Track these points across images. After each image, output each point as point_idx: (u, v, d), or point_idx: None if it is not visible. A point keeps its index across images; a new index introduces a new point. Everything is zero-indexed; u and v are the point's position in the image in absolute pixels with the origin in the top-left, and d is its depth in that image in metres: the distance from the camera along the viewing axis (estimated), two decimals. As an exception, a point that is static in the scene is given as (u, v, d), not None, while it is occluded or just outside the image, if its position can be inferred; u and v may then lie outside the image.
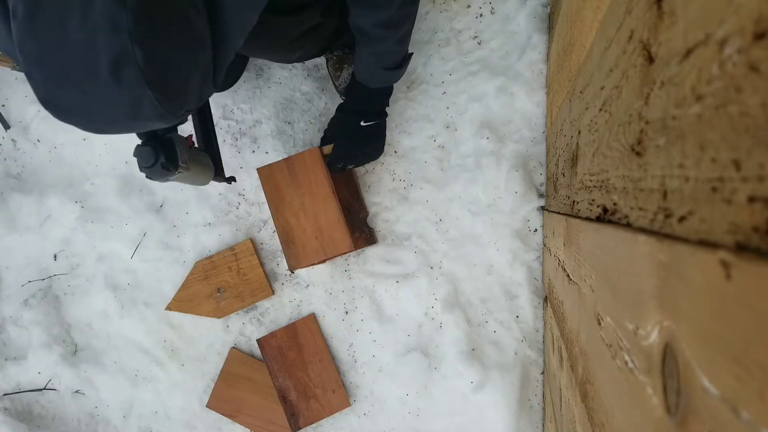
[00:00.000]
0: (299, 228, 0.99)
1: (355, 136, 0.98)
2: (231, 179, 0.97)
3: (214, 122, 1.15)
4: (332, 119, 1.00)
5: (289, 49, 0.90)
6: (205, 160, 0.83)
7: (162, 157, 0.70)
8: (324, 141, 1.00)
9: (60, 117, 0.51)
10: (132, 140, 0.71)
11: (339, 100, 1.13)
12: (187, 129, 0.87)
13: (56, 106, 0.50)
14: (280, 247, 1.18)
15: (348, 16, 0.82)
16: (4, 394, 1.24)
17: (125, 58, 0.46)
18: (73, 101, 0.49)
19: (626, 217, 0.38)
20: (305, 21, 0.83)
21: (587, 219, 0.54)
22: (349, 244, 0.97)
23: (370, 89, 0.93)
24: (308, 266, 1.02)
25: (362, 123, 0.96)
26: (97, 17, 0.44)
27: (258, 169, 1.00)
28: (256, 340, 1.18)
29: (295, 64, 1.14)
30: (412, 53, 0.92)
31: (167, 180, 0.74)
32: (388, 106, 0.99)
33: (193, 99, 0.56)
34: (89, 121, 0.51)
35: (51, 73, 0.47)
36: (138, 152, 0.71)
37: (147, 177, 0.73)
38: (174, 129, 0.75)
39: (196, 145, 0.87)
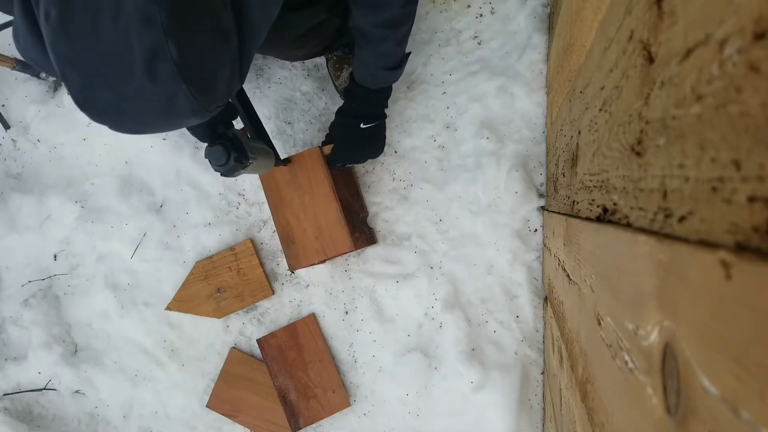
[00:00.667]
0: (299, 228, 0.99)
1: (355, 137, 0.98)
2: (287, 161, 0.98)
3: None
4: (333, 122, 1.00)
5: (294, 44, 0.91)
6: (264, 147, 0.86)
7: (234, 152, 0.73)
8: (325, 142, 1.01)
9: (96, 118, 0.51)
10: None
11: (339, 100, 1.13)
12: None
13: (92, 108, 0.50)
14: (280, 247, 1.18)
15: (349, 16, 0.82)
16: (4, 394, 1.24)
17: (160, 54, 0.46)
18: (109, 102, 0.49)
19: (626, 217, 0.38)
20: (312, 17, 0.83)
21: (587, 219, 0.54)
22: (349, 245, 0.97)
23: (369, 90, 0.93)
24: (308, 266, 1.02)
25: (362, 125, 0.97)
26: (130, 14, 0.44)
27: None
28: (256, 340, 1.18)
29: (295, 64, 1.14)
30: (410, 53, 0.93)
31: (239, 174, 0.77)
32: (387, 107, 0.99)
33: (223, 93, 0.56)
34: (124, 122, 0.52)
35: (86, 75, 0.47)
36: (210, 153, 0.74)
37: (222, 175, 0.76)
38: (231, 125, 0.78)
39: (250, 137, 0.90)
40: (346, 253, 1.02)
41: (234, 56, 0.56)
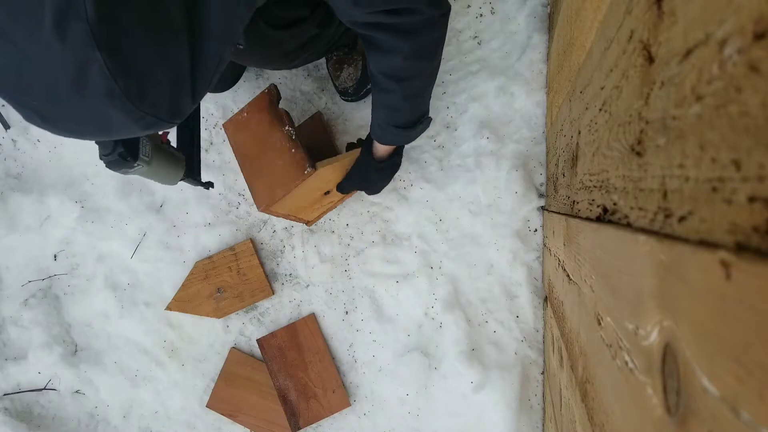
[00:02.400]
0: (267, 162, 0.91)
1: (371, 177, 0.98)
2: (208, 184, 0.91)
3: (214, 123, 1.14)
4: (357, 177, 0.97)
5: (286, 60, 0.88)
6: (176, 158, 0.79)
7: (120, 146, 0.65)
8: (346, 188, 1.01)
9: None
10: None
11: (339, 100, 1.13)
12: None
13: None
14: (280, 247, 1.18)
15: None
16: (4, 394, 1.24)
17: (73, 9, 0.40)
18: (8, 61, 0.42)
19: (626, 217, 0.38)
20: (302, 34, 0.81)
21: (587, 219, 0.54)
22: (306, 164, 0.89)
23: (382, 149, 0.90)
24: (283, 199, 0.92)
25: (378, 167, 0.94)
26: None
27: (224, 124, 0.95)
28: (256, 340, 1.18)
29: (295, 64, 1.14)
30: (431, 118, 0.87)
31: (127, 173, 0.70)
32: (402, 156, 0.97)
33: (162, 100, 0.49)
34: (28, 94, 0.44)
35: None
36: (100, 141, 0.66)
37: (106, 166, 0.68)
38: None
39: (173, 144, 0.83)
40: (307, 176, 0.90)
41: (181, 61, 0.49)
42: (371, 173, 0.95)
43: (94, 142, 0.62)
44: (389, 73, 0.73)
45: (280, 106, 0.92)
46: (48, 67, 0.42)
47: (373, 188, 1.02)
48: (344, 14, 0.67)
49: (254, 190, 0.92)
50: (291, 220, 1.08)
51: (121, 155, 0.65)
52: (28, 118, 0.47)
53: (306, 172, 0.87)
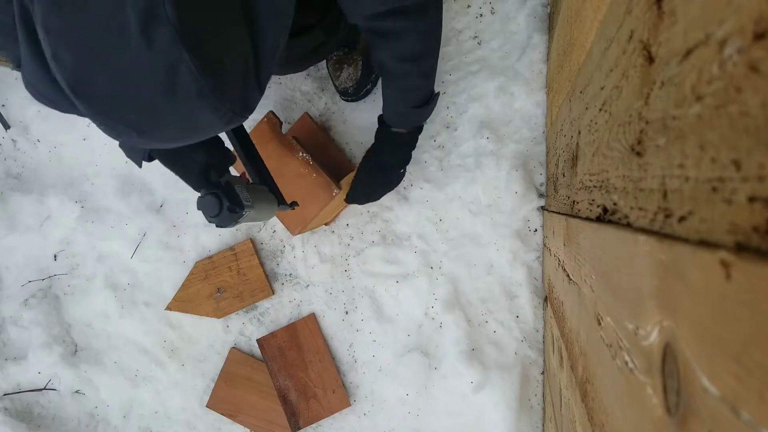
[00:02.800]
0: (290, 191, 0.93)
1: (393, 182, 0.99)
2: (293, 204, 0.92)
3: None
4: (368, 175, 0.97)
5: (295, 67, 0.89)
6: (265, 192, 0.81)
7: (226, 201, 0.68)
8: (354, 198, 1.01)
9: (90, 107, 0.45)
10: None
11: (339, 100, 1.13)
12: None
13: (86, 93, 0.44)
14: (280, 247, 1.18)
15: (346, 27, 0.81)
16: (4, 394, 1.24)
17: (156, 15, 0.41)
18: (103, 82, 0.43)
19: (626, 217, 0.38)
20: (310, 41, 0.82)
21: (587, 219, 0.54)
22: (332, 188, 0.95)
23: (402, 135, 0.90)
24: (313, 221, 0.97)
25: (401, 170, 0.97)
26: None
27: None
28: (256, 340, 1.18)
29: (295, 64, 1.15)
30: (439, 93, 0.89)
31: (237, 224, 0.72)
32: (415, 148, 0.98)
33: (238, 89, 0.50)
34: (121, 109, 0.46)
35: (78, 50, 0.42)
36: (201, 204, 0.69)
37: (217, 226, 0.71)
38: (227, 171, 0.74)
39: (251, 181, 0.85)
40: (334, 197, 0.97)
41: (246, 50, 0.51)
42: (385, 178, 0.97)
43: (203, 214, 0.68)
44: (404, 56, 0.75)
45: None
46: (140, 76, 0.44)
47: (388, 188, 1.01)
48: (361, 11, 0.69)
49: (284, 218, 0.99)
50: (315, 228, 1.11)
51: (229, 209, 0.68)
52: (122, 133, 0.48)
53: (334, 195, 0.94)
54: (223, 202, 0.68)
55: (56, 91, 0.46)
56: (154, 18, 0.41)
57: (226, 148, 0.77)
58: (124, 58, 0.42)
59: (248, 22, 0.51)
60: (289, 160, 0.95)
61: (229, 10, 0.48)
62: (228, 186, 0.70)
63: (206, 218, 0.70)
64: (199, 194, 0.70)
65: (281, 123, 0.98)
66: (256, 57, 0.52)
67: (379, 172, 0.96)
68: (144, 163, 0.70)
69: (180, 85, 0.45)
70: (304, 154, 0.95)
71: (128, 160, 0.72)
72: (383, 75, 0.81)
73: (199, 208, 0.69)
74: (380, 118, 0.91)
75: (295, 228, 0.99)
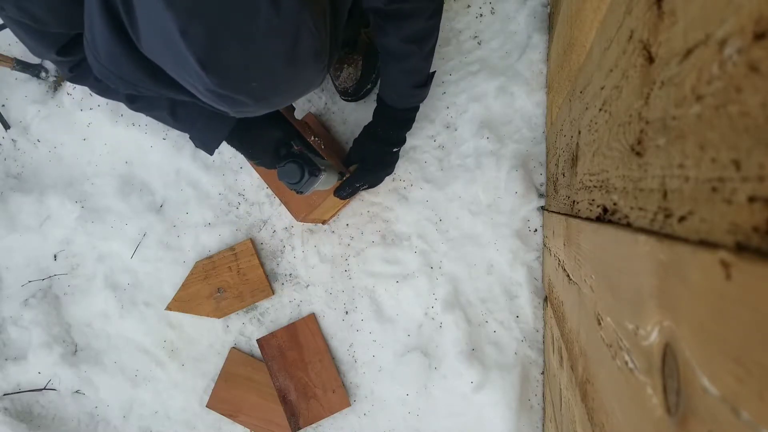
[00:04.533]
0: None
1: (384, 162, 0.99)
2: (347, 172, 0.97)
3: None
4: (360, 145, 0.98)
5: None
6: (324, 159, 0.86)
7: (306, 167, 0.74)
8: (348, 163, 0.99)
9: (220, 81, 0.46)
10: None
11: (339, 100, 1.13)
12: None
13: (217, 68, 0.45)
14: (280, 247, 1.18)
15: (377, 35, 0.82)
16: (4, 394, 1.24)
17: None
18: (234, 55, 0.45)
19: (626, 217, 0.38)
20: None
21: (587, 219, 0.54)
22: (340, 169, 0.95)
23: (400, 113, 0.92)
24: (317, 208, 0.97)
25: (393, 150, 0.98)
26: None
27: None
28: (256, 340, 1.18)
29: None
30: (435, 72, 0.92)
31: (312, 189, 0.77)
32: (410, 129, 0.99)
33: (331, 44, 0.53)
34: (248, 79, 0.47)
35: (210, 23, 0.42)
36: (284, 173, 0.74)
37: (297, 192, 0.76)
38: (291, 144, 0.78)
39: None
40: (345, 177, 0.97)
41: (327, 12, 0.52)
42: (385, 159, 0.98)
43: (284, 183, 0.74)
44: (410, 38, 0.78)
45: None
46: (269, 43, 0.45)
47: (386, 172, 1.02)
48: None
49: (289, 203, 0.98)
50: (314, 222, 1.09)
51: (311, 173, 0.74)
52: (239, 104, 0.50)
53: (343, 180, 0.94)
54: (304, 168, 0.73)
55: (129, 64, 0.47)
56: None
57: (288, 121, 0.81)
58: (255, 27, 0.43)
59: None
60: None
61: None
62: (303, 154, 0.76)
63: (288, 185, 0.75)
64: (278, 166, 0.75)
65: (293, 108, 0.98)
66: (334, 12, 0.54)
67: (373, 143, 0.96)
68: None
69: (302, 48, 0.47)
70: (317, 138, 0.95)
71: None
72: (387, 57, 0.84)
73: (280, 178, 0.74)
74: (379, 97, 0.93)
75: (300, 213, 0.98)
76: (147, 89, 0.53)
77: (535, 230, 1.05)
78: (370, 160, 0.97)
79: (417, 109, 0.95)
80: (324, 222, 1.15)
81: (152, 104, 0.72)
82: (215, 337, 1.21)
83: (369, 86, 1.09)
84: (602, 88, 0.48)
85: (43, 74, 1.23)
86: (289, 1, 0.44)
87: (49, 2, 0.55)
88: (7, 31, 1.18)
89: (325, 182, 0.82)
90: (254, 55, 0.45)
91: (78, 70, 0.69)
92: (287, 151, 0.77)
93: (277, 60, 0.47)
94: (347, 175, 0.97)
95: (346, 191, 0.96)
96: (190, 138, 0.76)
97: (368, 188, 1.05)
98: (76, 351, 1.26)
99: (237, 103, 0.50)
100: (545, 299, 1.02)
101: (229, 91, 0.48)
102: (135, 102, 0.71)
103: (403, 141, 0.99)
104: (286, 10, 0.44)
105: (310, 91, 0.57)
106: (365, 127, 0.98)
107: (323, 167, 0.78)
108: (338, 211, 1.14)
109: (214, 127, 0.73)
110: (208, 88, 0.47)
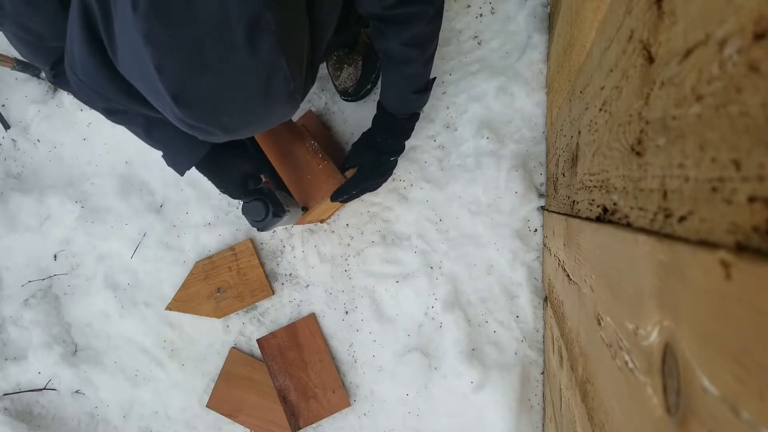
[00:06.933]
0: (295, 178, 0.95)
1: (381, 170, 0.98)
2: (304, 208, 0.96)
3: None
4: (359, 152, 0.96)
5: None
6: (290, 197, 0.86)
7: (270, 206, 0.73)
8: (347, 168, 0.98)
9: (191, 114, 0.47)
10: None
11: (339, 100, 1.13)
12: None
13: (189, 100, 0.46)
14: (280, 247, 1.18)
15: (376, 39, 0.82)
16: (4, 394, 1.24)
17: (260, 25, 0.43)
18: (207, 89, 0.45)
19: (626, 217, 0.38)
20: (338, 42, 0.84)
21: (587, 219, 0.54)
22: (338, 176, 0.96)
23: (400, 121, 0.91)
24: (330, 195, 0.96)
25: (392, 158, 0.96)
26: None
27: None
28: (256, 340, 1.18)
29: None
30: (435, 78, 0.91)
31: (274, 226, 0.77)
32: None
33: (305, 81, 0.53)
34: (220, 113, 0.48)
35: (185, 59, 0.43)
36: (248, 209, 0.74)
37: (259, 230, 0.76)
38: (259, 180, 0.78)
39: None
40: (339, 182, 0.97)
41: (306, 49, 0.53)
42: (383, 168, 0.97)
43: (246, 219, 0.75)
44: (411, 42, 0.77)
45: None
46: (243, 82, 0.46)
47: (383, 179, 1.00)
48: (377, 4, 0.70)
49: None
50: (312, 223, 1.10)
51: (275, 214, 0.74)
52: (210, 134, 0.51)
53: (340, 184, 0.94)
54: (269, 207, 0.73)
55: (107, 81, 0.48)
56: (258, 26, 0.43)
57: (260, 155, 0.81)
58: (229, 65, 0.44)
59: (309, 13, 0.53)
60: (298, 147, 0.95)
61: (300, 7, 0.50)
62: (270, 192, 0.75)
63: (250, 222, 0.75)
64: (242, 203, 0.75)
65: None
66: (313, 46, 0.54)
67: (371, 151, 0.95)
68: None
69: (274, 88, 0.48)
70: (314, 142, 0.95)
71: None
72: (387, 62, 0.83)
73: (244, 214, 0.74)
74: (379, 104, 0.92)
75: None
76: (121, 104, 0.54)
77: (535, 230, 1.05)
78: (367, 168, 0.96)
79: (417, 117, 0.94)
80: (322, 221, 1.15)
81: (128, 120, 0.71)
82: (215, 337, 1.21)
83: (369, 86, 1.09)
84: (602, 88, 0.48)
85: (43, 74, 1.23)
86: (266, 44, 0.44)
87: (49, 16, 0.56)
88: (7, 31, 1.18)
89: (289, 221, 0.82)
90: (227, 93, 0.46)
91: (62, 76, 0.69)
92: (255, 186, 0.76)
93: (250, 98, 0.48)
94: (345, 180, 0.96)
95: (342, 197, 0.95)
96: (162, 156, 0.75)
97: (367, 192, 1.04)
98: (76, 351, 1.26)
99: (208, 133, 0.51)
100: (545, 299, 1.02)
101: (200, 123, 0.49)
102: (112, 115, 0.71)
103: (402, 149, 0.97)
104: (263, 53, 0.45)
105: (281, 122, 0.58)
106: (364, 134, 0.96)
107: (288, 207, 0.77)
108: (336, 210, 1.14)
109: (188, 151, 0.74)
110: (179, 118, 0.48)
